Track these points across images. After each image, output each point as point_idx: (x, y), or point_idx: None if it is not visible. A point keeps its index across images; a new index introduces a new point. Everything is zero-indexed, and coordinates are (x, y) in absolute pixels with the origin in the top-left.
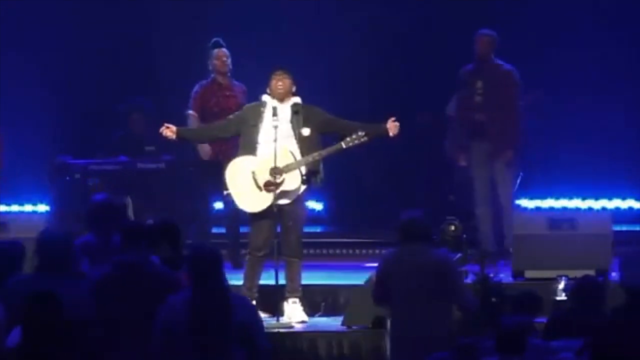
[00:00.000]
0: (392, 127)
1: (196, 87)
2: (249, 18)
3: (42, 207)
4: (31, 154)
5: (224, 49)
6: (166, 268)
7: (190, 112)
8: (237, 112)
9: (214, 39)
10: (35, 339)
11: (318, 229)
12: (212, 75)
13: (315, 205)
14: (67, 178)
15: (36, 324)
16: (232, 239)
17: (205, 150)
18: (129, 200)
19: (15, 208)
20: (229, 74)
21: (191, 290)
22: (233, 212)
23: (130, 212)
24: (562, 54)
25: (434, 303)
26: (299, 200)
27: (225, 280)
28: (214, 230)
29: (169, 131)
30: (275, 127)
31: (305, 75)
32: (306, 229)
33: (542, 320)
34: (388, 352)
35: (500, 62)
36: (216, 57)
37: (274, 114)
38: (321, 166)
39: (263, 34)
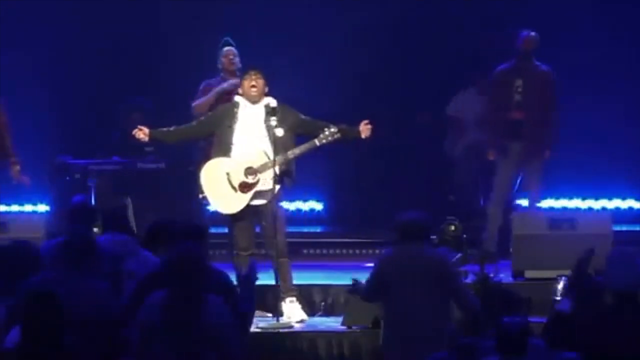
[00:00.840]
0: (365, 129)
1: (202, 84)
2: (249, 18)
3: (42, 207)
4: (31, 154)
5: (232, 48)
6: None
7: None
8: (209, 113)
9: (224, 38)
10: (35, 339)
11: (318, 229)
12: (221, 74)
13: (315, 205)
14: (67, 178)
15: (36, 324)
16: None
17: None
18: (128, 201)
19: (15, 208)
20: (237, 73)
21: (166, 290)
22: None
23: (131, 212)
24: (561, 54)
25: (432, 303)
26: (275, 199)
27: (202, 281)
28: (213, 230)
29: (141, 133)
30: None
31: (304, 75)
32: (306, 229)
33: (542, 320)
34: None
35: (538, 62)
36: (224, 56)
37: (239, 114)
38: (294, 167)
39: (263, 34)
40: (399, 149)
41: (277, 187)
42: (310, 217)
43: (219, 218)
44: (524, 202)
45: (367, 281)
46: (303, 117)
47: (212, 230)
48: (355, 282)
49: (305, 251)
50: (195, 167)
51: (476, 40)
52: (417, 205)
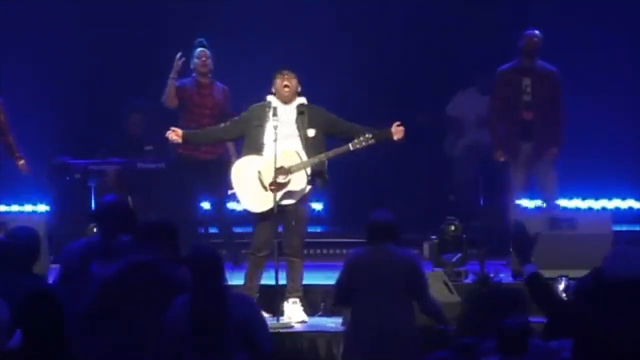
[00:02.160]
0: (398, 131)
1: (177, 83)
2: (249, 18)
3: (42, 207)
4: (31, 154)
5: (205, 50)
6: (181, 270)
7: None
8: (242, 113)
9: (198, 39)
10: (35, 339)
11: (318, 229)
12: (194, 74)
13: (315, 205)
14: (67, 178)
15: (36, 324)
16: (226, 239)
17: (170, 95)
18: (129, 200)
19: (15, 208)
20: (209, 75)
21: (191, 292)
22: (219, 214)
23: None
24: (562, 55)
25: (398, 301)
26: (303, 200)
27: (224, 280)
28: (211, 230)
29: (174, 134)
30: (275, 127)
31: (304, 75)
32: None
33: (541, 320)
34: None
35: (542, 62)
36: (197, 57)
37: (274, 114)
38: (326, 167)
39: (263, 34)
40: (399, 149)
41: (308, 187)
42: (310, 217)
43: (213, 220)
44: (524, 202)
45: (336, 284)
46: (334, 117)
47: (211, 230)
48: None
49: (305, 251)
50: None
51: (476, 40)
52: (417, 205)
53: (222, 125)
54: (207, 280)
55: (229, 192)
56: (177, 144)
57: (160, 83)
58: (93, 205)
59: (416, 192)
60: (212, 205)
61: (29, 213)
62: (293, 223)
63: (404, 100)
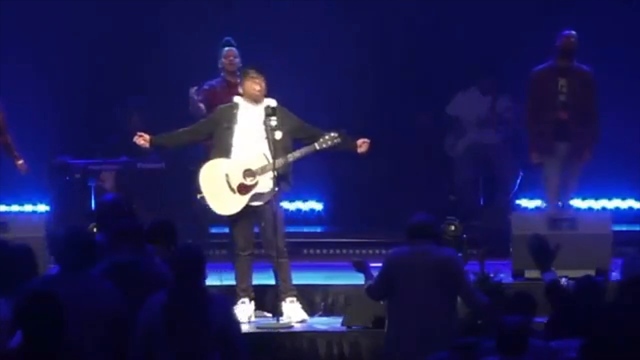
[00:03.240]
0: (363, 145)
1: (205, 85)
2: (251, 18)
3: (42, 207)
4: (31, 154)
5: (233, 48)
6: (164, 267)
7: (197, 97)
8: (209, 115)
9: (225, 38)
10: (35, 339)
11: (318, 229)
12: (222, 74)
13: (315, 205)
14: (67, 178)
15: (36, 324)
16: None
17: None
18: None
19: (15, 208)
20: (237, 73)
21: (168, 292)
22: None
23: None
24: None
25: (440, 302)
26: (274, 201)
27: (203, 281)
28: (214, 230)
29: (142, 139)
30: (243, 129)
31: (304, 76)
32: (306, 229)
33: (541, 320)
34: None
35: (577, 62)
36: (225, 56)
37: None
38: (290, 171)
39: (263, 34)
40: (399, 149)
41: (276, 189)
42: (310, 217)
43: (222, 218)
44: (524, 203)
45: (375, 279)
46: (302, 122)
47: (214, 230)
48: (357, 263)
49: (305, 251)
50: (198, 166)
51: (477, 40)
52: (417, 205)
53: (190, 127)
54: (185, 281)
55: (198, 196)
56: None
57: (159, 83)
58: (93, 205)
59: (416, 192)
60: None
61: (29, 213)
62: (263, 224)
63: (404, 101)
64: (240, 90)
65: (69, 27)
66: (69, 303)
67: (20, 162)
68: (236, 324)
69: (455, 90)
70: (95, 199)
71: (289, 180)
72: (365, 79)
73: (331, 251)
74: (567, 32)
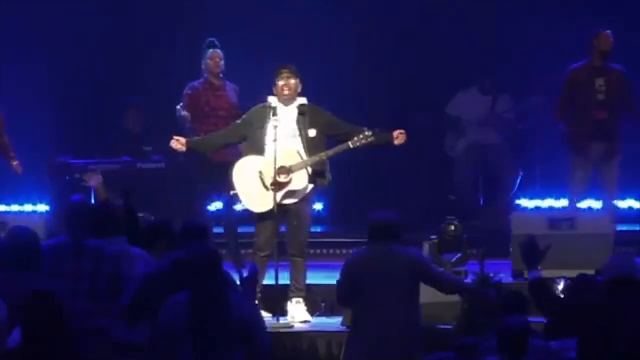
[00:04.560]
0: (399, 137)
1: (187, 89)
2: (248, 16)
3: (42, 207)
4: (31, 154)
5: (218, 50)
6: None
7: (184, 112)
8: (243, 116)
9: (209, 39)
10: (34, 339)
11: (318, 229)
12: (205, 75)
13: (316, 205)
14: (67, 178)
15: (35, 324)
16: (231, 240)
17: (188, 118)
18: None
19: (15, 208)
20: (221, 75)
21: (190, 291)
22: (230, 213)
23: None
24: (563, 55)
25: (405, 303)
26: (305, 200)
27: (224, 279)
28: (215, 230)
29: (178, 144)
30: (275, 127)
31: (304, 74)
32: None
33: (541, 320)
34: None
35: (611, 62)
36: (210, 58)
37: (274, 114)
38: (328, 167)
39: (262, 32)
40: (399, 149)
41: (310, 187)
42: (313, 217)
43: (222, 219)
44: (524, 203)
45: (338, 285)
46: (335, 118)
47: (215, 230)
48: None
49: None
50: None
51: (477, 40)
52: (417, 206)
53: (225, 130)
54: (206, 280)
55: (231, 193)
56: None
57: (159, 83)
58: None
59: (416, 192)
60: (224, 204)
61: (29, 213)
62: (295, 223)
63: (404, 101)
64: (274, 90)
65: (69, 27)
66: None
67: (16, 163)
68: (259, 321)
69: (455, 90)
70: (95, 199)
71: (327, 176)
72: (365, 79)
73: (331, 251)
74: (602, 31)
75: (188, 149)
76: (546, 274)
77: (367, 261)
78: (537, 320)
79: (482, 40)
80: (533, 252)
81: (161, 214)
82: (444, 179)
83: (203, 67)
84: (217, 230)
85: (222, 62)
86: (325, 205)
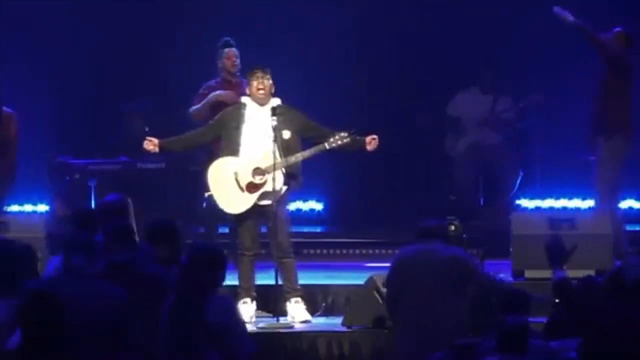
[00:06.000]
0: (372, 142)
1: (202, 89)
2: (250, 17)
3: (42, 207)
4: (31, 154)
5: (234, 49)
6: (158, 268)
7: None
8: (216, 117)
9: (224, 39)
10: (34, 339)
11: (318, 229)
12: (222, 74)
13: (315, 205)
14: (67, 178)
15: (36, 325)
16: (209, 238)
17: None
18: (129, 202)
19: (15, 208)
20: (238, 73)
21: (175, 291)
22: (211, 212)
23: (132, 212)
24: (563, 56)
25: (450, 301)
26: (282, 201)
27: (208, 280)
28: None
29: (150, 145)
30: (250, 127)
31: (304, 75)
32: (306, 229)
33: (541, 320)
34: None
35: None
36: (226, 57)
37: (247, 116)
38: (300, 170)
39: (263, 33)
40: (399, 149)
41: (284, 188)
42: (310, 217)
43: (226, 218)
44: (524, 203)
45: (386, 282)
46: (308, 121)
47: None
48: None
49: (305, 251)
50: (200, 167)
51: (477, 40)
52: (417, 205)
53: (198, 130)
54: (187, 280)
55: (206, 194)
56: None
57: (159, 83)
58: (93, 205)
59: (416, 192)
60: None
61: (29, 213)
62: (275, 224)
63: (404, 101)
64: (247, 91)
65: (69, 28)
66: (71, 303)
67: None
68: (236, 323)
69: (455, 90)
70: (95, 198)
71: (299, 178)
72: (365, 79)
73: (331, 251)
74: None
75: (161, 149)
76: (546, 274)
77: (413, 259)
78: (537, 320)
79: (482, 41)
80: (558, 252)
81: (161, 214)
82: (444, 179)
83: (220, 65)
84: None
85: (238, 61)
86: (325, 205)
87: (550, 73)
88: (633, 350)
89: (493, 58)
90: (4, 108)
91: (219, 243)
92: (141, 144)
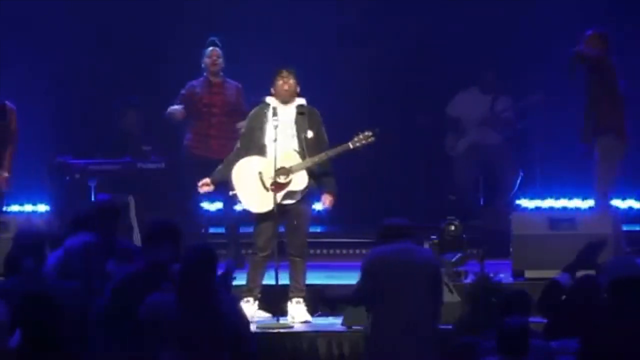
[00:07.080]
0: (328, 201)
1: (187, 87)
2: (251, 17)
3: (42, 207)
4: (31, 154)
5: (217, 49)
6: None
7: (175, 107)
8: (246, 126)
9: (210, 38)
10: (33, 339)
11: (318, 229)
12: (205, 73)
13: (315, 205)
14: (67, 178)
15: (33, 325)
16: (231, 240)
17: (177, 114)
18: (131, 199)
19: (15, 208)
20: (221, 73)
21: (177, 292)
22: (231, 213)
23: (132, 212)
24: (563, 56)
25: (428, 301)
26: (304, 200)
27: (214, 282)
28: (212, 230)
29: (205, 186)
30: (275, 127)
31: (305, 75)
32: None
33: (541, 320)
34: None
35: None
36: (208, 56)
37: (274, 114)
38: (331, 168)
39: (263, 33)
40: (399, 149)
41: (308, 187)
42: (312, 217)
43: (222, 219)
44: (524, 203)
45: (358, 281)
46: (321, 134)
47: (212, 230)
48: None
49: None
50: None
51: (477, 40)
52: (417, 205)
53: (235, 150)
54: (197, 282)
55: (230, 193)
56: (190, 144)
57: (159, 83)
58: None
59: (416, 192)
60: (224, 204)
61: (29, 213)
62: (294, 222)
63: (404, 101)
64: (273, 90)
65: (68, 27)
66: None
67: (5, 175)
68: (246, 324)
69: (455, 90)
70: (95, 199)
71: (331, 177)
72: (365, 79)
73: (331, 251)
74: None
75: (215, 184)
76: (546, 274)
77: (385, 260)
78: (537, 320)
79: (482, 41)
80: (591, 257)
81: (161, 214)
82: (444, 179)
83: (202, 65)
84: (216, 230)
85: (221, 60)
86: None
87: (550, 73)
88: (626, 350)
89: (493, 58)
90: (7, 102)
91: (211, 243)
92: (139, 141)
